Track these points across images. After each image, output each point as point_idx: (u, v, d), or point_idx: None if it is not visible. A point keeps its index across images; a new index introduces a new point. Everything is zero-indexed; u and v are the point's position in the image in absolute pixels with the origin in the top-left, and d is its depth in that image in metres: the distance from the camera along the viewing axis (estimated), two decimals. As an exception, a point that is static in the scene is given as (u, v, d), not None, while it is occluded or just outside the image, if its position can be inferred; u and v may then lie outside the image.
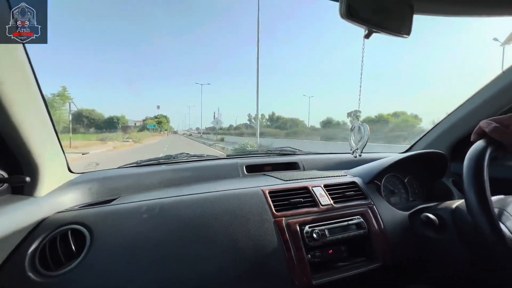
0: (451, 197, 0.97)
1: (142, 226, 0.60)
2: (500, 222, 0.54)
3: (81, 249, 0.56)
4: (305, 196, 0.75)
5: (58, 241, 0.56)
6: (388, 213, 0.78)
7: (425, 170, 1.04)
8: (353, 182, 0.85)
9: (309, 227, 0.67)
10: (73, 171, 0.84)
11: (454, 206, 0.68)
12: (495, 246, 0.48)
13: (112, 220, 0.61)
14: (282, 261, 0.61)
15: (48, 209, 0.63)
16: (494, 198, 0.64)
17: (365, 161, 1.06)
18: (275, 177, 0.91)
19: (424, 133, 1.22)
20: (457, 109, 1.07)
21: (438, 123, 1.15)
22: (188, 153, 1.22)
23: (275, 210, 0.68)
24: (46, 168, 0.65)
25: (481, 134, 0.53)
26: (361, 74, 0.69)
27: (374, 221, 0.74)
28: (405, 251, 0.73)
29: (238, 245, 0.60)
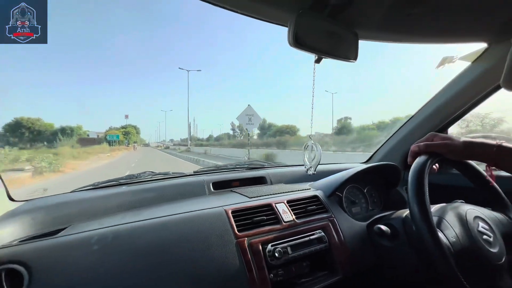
0: (404, 204, 1.05)
1: (91, 258, 0.56)
2: (439, 230, 0.59)
3: None
4: (269, 213, 0.76)
5: None
6: (348, 225, 0.81)
7: (382, 180, 1.12)
8: (315, 196, 0.87)
9: (272, 246, 0.67)
10: (15, 199, 0.75)
11: (404, 215, 0.74)
12: (434, 253, 0.52)
13: (56, 255, 0.56)
14: (245, 283, 0.61)
15: None
16: (436, 206, 0.70)
17: (329, 173, 1.11)
18: (241, 194, 0.91)
19: (381, 145, 1.31)
20: (407, 122, 1.17)
21: (392, 135, 1.25)
22: (152, 171, 1.17)
23: (237, 230, 0.68)
24: None
25: (415, 156, 0.60)
26: (313, 96, 0.73)
27: (334, 234, 0.77)
28: (364, 261, 0.77)
29: (198, 271, 0.59)
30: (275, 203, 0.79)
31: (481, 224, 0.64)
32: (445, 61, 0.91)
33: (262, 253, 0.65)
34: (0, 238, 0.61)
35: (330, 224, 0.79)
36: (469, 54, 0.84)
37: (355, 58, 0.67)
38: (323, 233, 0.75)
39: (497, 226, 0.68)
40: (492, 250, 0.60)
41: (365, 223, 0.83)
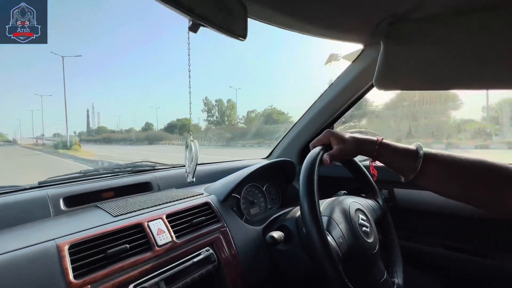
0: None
1: None
2: (327, 233, 0.56)
3: None
4: (137, 238, 0.55)
5: None
6: (242, 233, 0.71)
7: (280, 176, 1.10)
8: (206, 203, 0.73)
9: (135, 286, 0.48)
10: None
11: (297, 215, 0.70)
12: (325, 264, 0.48)
13: None
14: None
15: None
16: (325, 203, 0.68)
17: (229, 171, 0.99)
18: (106, 211, 0.66)
19: (280, 140, 1.32)
20: (301, 118, 1.20)
21: (289, 131, 1.26)
22: None
23: (73, 276, 0.44)
24: None
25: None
26: (189, 77, 0.57)
27: (226, 248, 0.65)
28: (259, 271, 0.69)
29: None
30: (148, 222, 0.59)
31: (361, 216, 0.67)
32: (332, 58, 0.95)
33: None
34: None
35: (221, 236, 0.66)
36: (349, 53, 0.89)
37: (243, 36, 0.55)
38: (211, 251, 0.61)
39: (371, 214, 0.73)
40: (369, 240, 0.63)
41: (260, 228, 0.75)
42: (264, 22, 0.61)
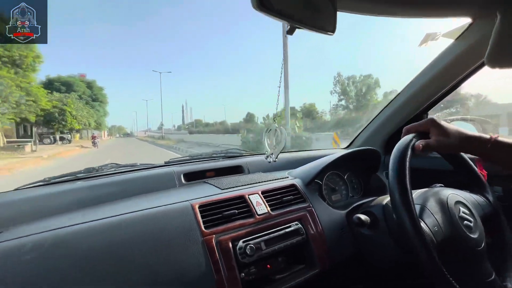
0: (384, 190, 1.02)
1: (23, 271, 0.46)
2: (421, 220, 0.55)
3: None
4: (241, 206, 0.69)
5: None
6: (327, 214, 0.77)
7: (363, 165, 1.08)
8: (293, 185, 0.82)
9: (243, 242, 0.61)
10: None
11: (384, 202, 0.70)
12: (416, 247, 0.48)
13: None
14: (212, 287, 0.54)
15: None
16: (416, 192, 0.66)
17: (307, 160, 1.06)
18: (214, 185, 0.84)
19: (362, 129, 1.28)
20: (387, 106, 1.13)
21: (372, 120, 1.21)
22: (116, 163, 1.06)
23: (204, 227, 0.61)
24: None
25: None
26: (281, 73, 0.65)
27: (312, 225, 0.72)
28: (343, 252, 0.73)
29: (157, 276, 0.51)
30: (248, 195, 0.72)
31: (462, 209, 0.62)
32: (428, 38, 0.86)
33: (232, 251, 0.59)
34: None
35: (308, 214, 0.74)
36: (452, 30, 0.79)
37: (333, 30, 0.59)
38: (300, 225, 0.70)
39: (476, 209, 0.65)
40: (472, 236, 0.58)
41: (344, 212, 0.79)
42: (355, 13, 0.63)
